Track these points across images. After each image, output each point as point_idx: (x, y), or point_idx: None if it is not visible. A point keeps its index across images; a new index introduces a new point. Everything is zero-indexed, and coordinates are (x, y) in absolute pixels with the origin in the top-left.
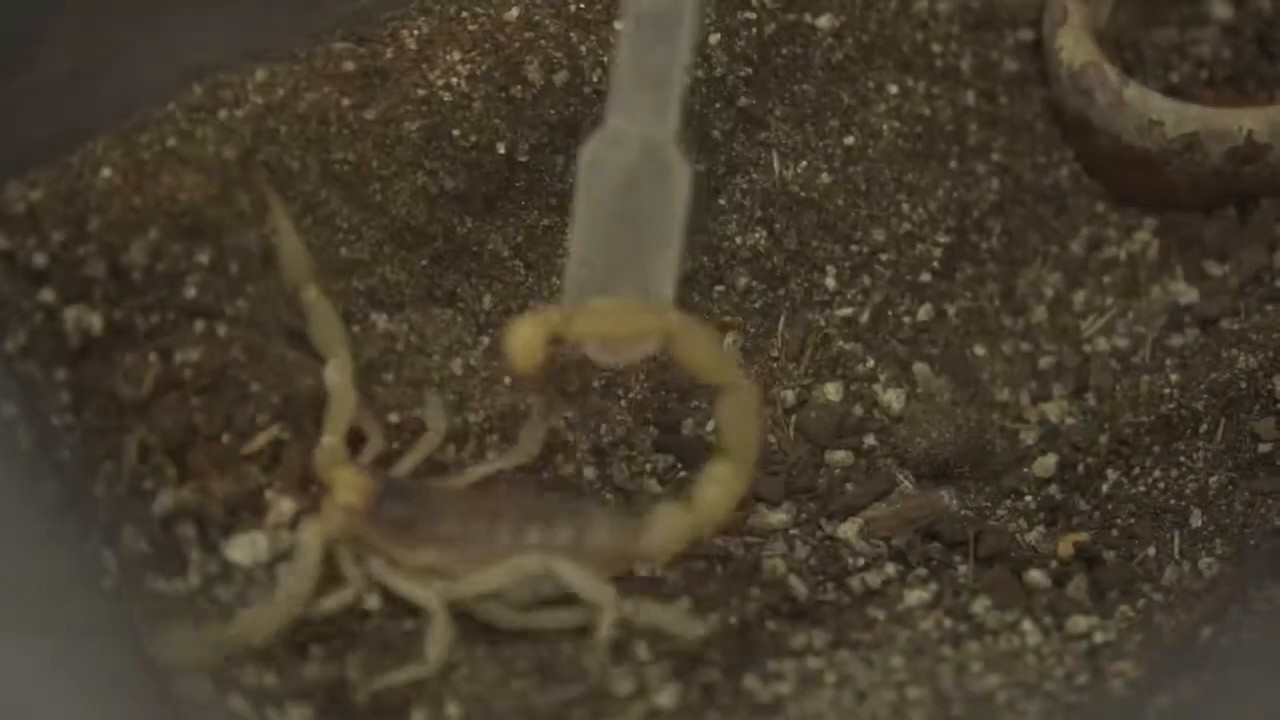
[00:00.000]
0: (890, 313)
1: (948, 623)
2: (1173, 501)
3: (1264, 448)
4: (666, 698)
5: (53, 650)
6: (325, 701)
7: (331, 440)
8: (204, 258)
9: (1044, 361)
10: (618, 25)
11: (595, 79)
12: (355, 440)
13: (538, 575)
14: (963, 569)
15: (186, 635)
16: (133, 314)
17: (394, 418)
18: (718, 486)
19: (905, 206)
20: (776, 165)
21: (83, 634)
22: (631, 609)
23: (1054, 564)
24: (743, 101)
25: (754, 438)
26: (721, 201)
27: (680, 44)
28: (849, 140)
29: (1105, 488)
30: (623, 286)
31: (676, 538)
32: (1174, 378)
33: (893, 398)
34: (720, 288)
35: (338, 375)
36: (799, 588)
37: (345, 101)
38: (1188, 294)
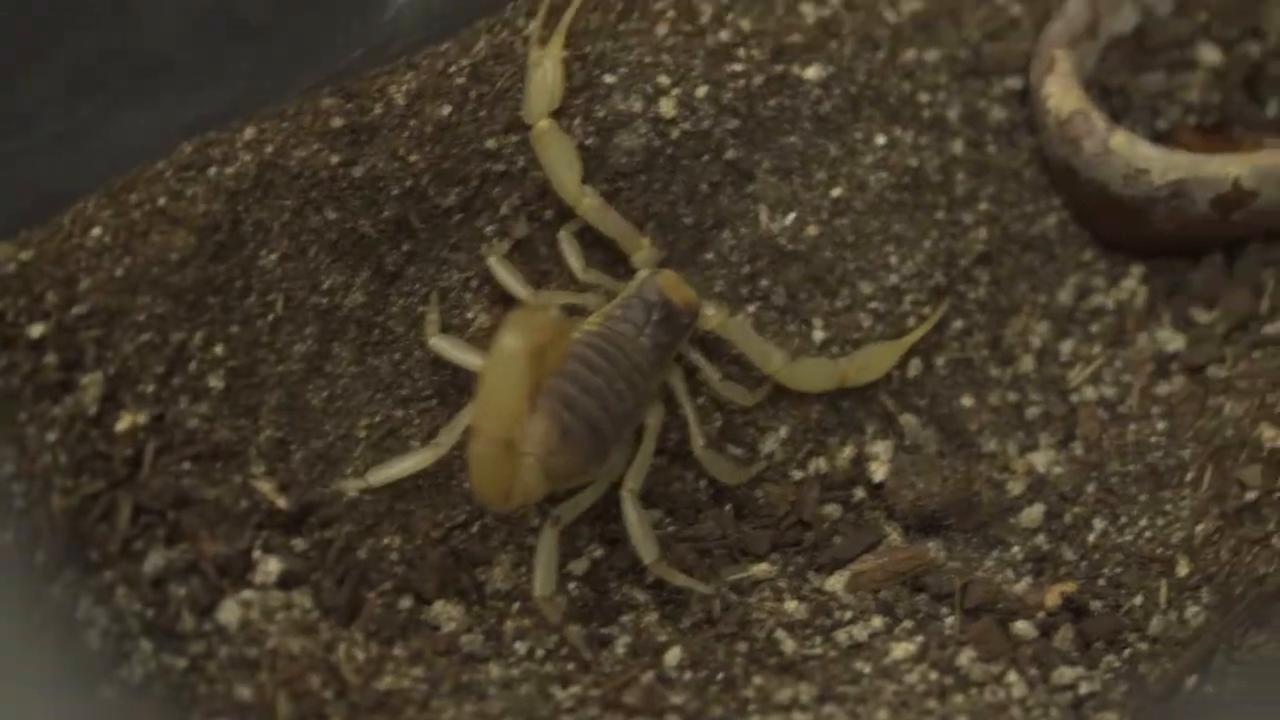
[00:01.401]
0: None
1: (933, 675)
2: (1159, 550)
3: (1250, 495)
4: None
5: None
6: None
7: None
8: (198, 319)
9: (1031, 411)
10: None
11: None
12: None
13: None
14: (949, 621)
15: None
16: (126, 377)
17: None
18: None
19: (893, 258)
20: (764, 218)
21: (63, 693)
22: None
23: (1041, 614)
24: (730, 154)
25: None
26: (709, 256)
27: None
28: (836, 192)
29: (1092, 537)
30: None
31: None
32: (1160, 426)
33: (880, 449)
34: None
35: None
36: (786, 641)
37: (334, 159)
38: (1175, 341)
